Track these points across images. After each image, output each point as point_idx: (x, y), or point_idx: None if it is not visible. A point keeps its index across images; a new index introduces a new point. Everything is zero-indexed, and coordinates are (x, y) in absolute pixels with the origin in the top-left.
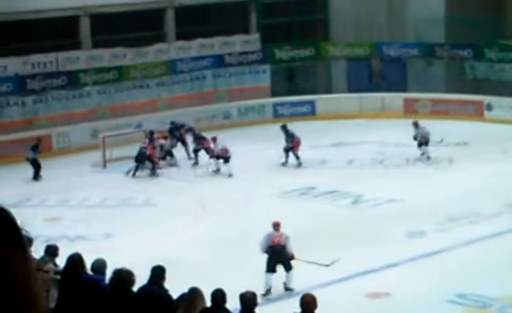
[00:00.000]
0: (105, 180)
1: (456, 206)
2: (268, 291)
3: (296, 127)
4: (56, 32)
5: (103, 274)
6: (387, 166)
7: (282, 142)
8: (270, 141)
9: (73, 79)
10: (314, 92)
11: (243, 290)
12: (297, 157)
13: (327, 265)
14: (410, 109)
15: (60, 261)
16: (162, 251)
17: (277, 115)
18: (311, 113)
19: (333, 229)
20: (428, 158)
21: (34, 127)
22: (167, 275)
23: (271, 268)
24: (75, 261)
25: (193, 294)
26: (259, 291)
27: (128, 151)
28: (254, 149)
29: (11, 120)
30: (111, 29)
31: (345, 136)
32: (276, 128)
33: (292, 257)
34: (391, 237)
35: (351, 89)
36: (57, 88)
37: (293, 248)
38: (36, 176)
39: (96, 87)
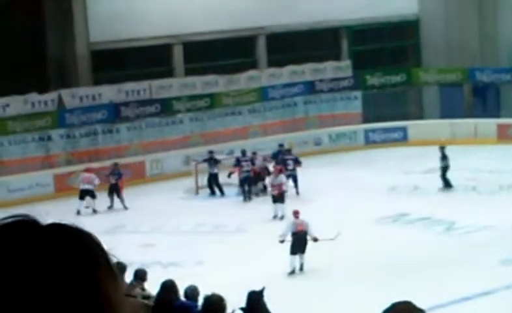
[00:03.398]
0: (198, 207)
1: None
2: (292, 271)
3: (387, 153)
4: (150, 60)
5: (196, 300)
6: (480, 193)
7: (375, 169)
8: (362, 168)
9: (166, 107)
10: (405, 118)
11: None
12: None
13: (331, 239)
14: (503, 135)
15: (149, 286)
16: (255, 277)
17: (368, 142)
18: (402, 139)
19: (427, 256)
20: None
21: (128, 154)
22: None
23: (294, 251)
24: (169, 287)
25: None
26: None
27: (220, 178)
28: (345, 175)
29: (105, 147)
30: (204, 56)
31: (437, 162)
32: (367, 154)
33: (316, 239)
34: (485, 264)
35: (443, 115)
36: (151, 115)
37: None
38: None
39: (188, 114)
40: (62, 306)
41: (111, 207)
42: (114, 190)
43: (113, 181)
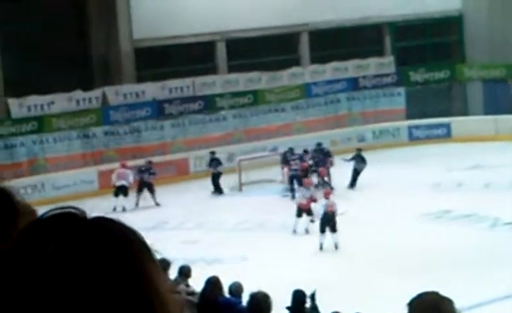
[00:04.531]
0: (241, 203)
1: None
2: (321, 246)
3: (431, 149)
4: (193, 57)
5: (240, 296)
6: None
7: (418, 165)
8: (405, 164)
9: (209, 104)
10: (449, 114)
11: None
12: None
13: (341, 214)
14: None
15: (194, 283)
16: (298, 274)
17: (412, 138)
18: (446, 135)
19: (470, 253)
20: None
21: (171, 151)
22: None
23: (323, 230)
24: (213, 283)
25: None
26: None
27: (263, 174)
28: (389, 172)
29: (149, 144)
30: (247, 53)
31: (481, 159)
32: (411, 150)
33: (342, 214)
34: None
35: (487, 111)
36: (194, 112)
37: None
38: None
39: (231, 111)
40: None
41: (137, 205)
42: (146, 188)
43: (147, 179)
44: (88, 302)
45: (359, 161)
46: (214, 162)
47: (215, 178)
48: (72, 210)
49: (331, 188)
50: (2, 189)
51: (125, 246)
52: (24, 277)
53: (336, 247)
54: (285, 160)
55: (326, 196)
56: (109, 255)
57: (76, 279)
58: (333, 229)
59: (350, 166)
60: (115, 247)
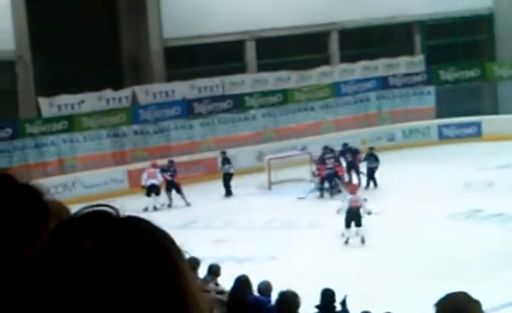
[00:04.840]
0: (271, 202)
1: None
2: (347, 241)
3: (461, 148)
4: (223, 56)
5: (269, 295)
6: None
7: (448, 165)
8: (435, 163)
9: (238, 103)
10: (479, 113)
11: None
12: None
13: (377, 213)
14: None
15: (223, 281)
16: (327, 273)
17: (442, 137)
18: (476, 134)
19: (501, 253)
20: None
21: (201, 150)
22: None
23: (348, 225)
24: (243, 282)
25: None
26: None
27: (293, 173)
28: (419, 171)
29: (178, 143)
30: (276, 52)
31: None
32: (441, 149)
33: (370, 213)
34: None
35: None
36: (223, 111)
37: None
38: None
39: (261, 110)
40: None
41: (170, 205)
42: (173, 187)
43: (169, 178)
44: (124, 299)
45: (372, 160)
46: (226, 162)
47: (227, 180)
48: (106, 209)
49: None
50: (31, 187)
51: (157, 244)
52: (61, 273)
53: (362, 241)
54: (322, 159)
55: (352, 191)
56: (143, 253)
57: (113, 275)
58: (358, 224)
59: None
60: (149, 245)
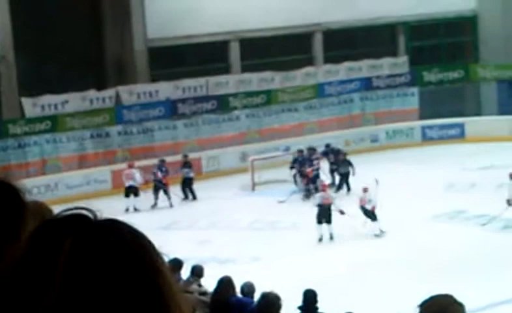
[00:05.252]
0: (254, 203)
1: None
2: (321, 238)
3: (444, 150)
4: (207, 56)
5: (252, 297)
6: None
7: (432, 166)
8: (419, 164)
9: (222, 103)
10: (463, 114)
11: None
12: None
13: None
14: None
15: (206, 282)
16: (310, 275)
17: (425, 138)
18: (460, 135)
19: (484, 254)
20: None
21: (185, 150)
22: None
23: (320, 221)
24: (226, 283)
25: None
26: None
27: (277, 174)
28: (402, 172)
29: (162, 143)
30: (260, 53)
31: (495, 159)
32: (424, 150)
33: (342, 212)
34: None
35: (501, 112)
36: (207, 112)
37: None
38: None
39: (245, 111)
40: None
41: (154, 205)
42: (161, 188)
43: (160, 176)
44: (103, 301)
45: (346, 165)
46: (186, 166)
47: (187, 184)
48: (84, 211)
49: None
50: (7, 184)
51: (136, 246)
52: (39, 276)
53: (331, 238)
54: (308, 160)
55: (323, 189)
56: (122, 255)
57: (91, 278)
58: (329, 221)
59: (360, 165)
60: (126, 248)
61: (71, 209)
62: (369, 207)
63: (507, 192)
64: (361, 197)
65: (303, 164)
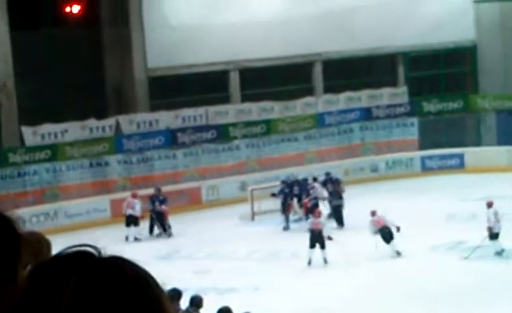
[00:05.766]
0: (254, 233)
1: None
2: (309, 262)
3: (444, 180)
4: (207, 86)
5: None
6: None
7: (431, 196)
8: (418, 195)
9: (222, 133)
10: (462, 145)
11: None
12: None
13: (329, 238)
14: None
15: None
16: (311, 304)
17: (425, 168)
18: (459, 166)
19: (484, 284)
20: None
21: (184, 180)
22: None
23: (313, 245)
24: None
25: None
26: None
27: (276, 204)
28: (402, 202)
29: (162, 172)
30: (260, 82)
31: (495, 190)
32: (424, 181)
33: (330, 238)
34: None
35: (501, 142)
36: (207, 141)
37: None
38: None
39: (244, 140)
40: None
41: (160, 234)
42: (158, 218)
43: (158, 208)
44: None
45: (337, 198)
46: (159, 199)
47: (160, 218)
48: (88, 249)
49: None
50: (2, 215)
51: (140, 285)
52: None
53: (325, 261)
54: (307, 191)
55: (315, 215)
56: (126, 294)
57: None
58: (322, 246)
59: (360, 195)
60: (131, 286)
61: (76, 246)
62: (388, 225)
63: (486, 221)
64: (374, 220)
65: (288, 195)
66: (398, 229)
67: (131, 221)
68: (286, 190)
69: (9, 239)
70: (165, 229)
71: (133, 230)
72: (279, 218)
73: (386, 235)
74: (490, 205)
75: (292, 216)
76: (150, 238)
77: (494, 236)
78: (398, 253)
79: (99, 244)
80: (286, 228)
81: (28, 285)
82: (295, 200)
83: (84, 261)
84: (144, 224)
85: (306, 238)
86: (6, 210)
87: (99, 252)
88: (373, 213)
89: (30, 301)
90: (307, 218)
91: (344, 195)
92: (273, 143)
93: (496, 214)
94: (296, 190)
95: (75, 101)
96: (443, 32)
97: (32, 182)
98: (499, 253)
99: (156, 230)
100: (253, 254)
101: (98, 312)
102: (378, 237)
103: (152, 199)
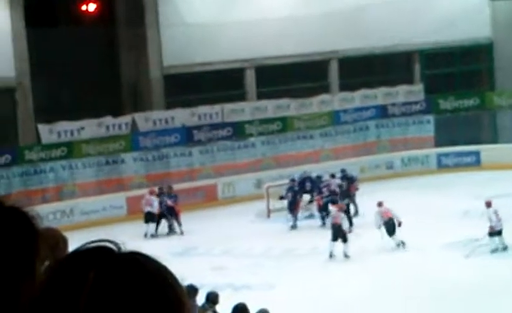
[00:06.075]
0: (269, 230)
1: None
2: (331, 255)
3: (460, 177)
4: (223, 83)
5: None
6: None
7: (447, 193)
8: (434, 192)
9: (238, 130)
10: (479, 142)
11: None
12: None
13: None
14: None
15: (221, 309)
16: (327, 302)
17: (441, 166)
18: (475, 163)
19: (498, 282)
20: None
21: (200, 177)
22: None
23: (335, 238)
24: (241, 310)
25: None
26: None
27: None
28: (417, 199)
29: (178, 170)
30: (276, 80)
31: (511, 187)
32: (440, 178)
33: (349, 231)
34: None
35: None
36: (223, 139)
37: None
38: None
39: (260, 138)
40: None
41: (170, 231)
42: (171, 214)
43: (170, 204)
44: None
45: (344, 197)
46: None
47: (171, 214)
48: (108, 244)
49: (357, 212)
50: (19, 210)
51: (159, 280)
52: (62, 309)
53: (345, 256)
54: (319, 189)
55: (337, 208)
56: (145, 289)
57: (114, 311)
58: (344, 240)
59: (376, 193)
60: (150, 281)
61: (95, 241)
62: (393, 218)
63: (488, 220)
64: (381, 211)
65: (297, 192)
66: (399, 223)
67: (150, 218)
68: (296, 188)
69: (27, 235)
70: (171, 228)
71: (152, 227)
72: (289, 216)
73: (390, 227)
74: (489, 204)
75: (300, 214)
76: (166, 235)
77: (495, 234)
78: (402, 244)
79: (117, 240)
80: (293, 227)
81: (47, 281)
82: (304, 197)
83: (103, 257)
84: (164, 222)
85: (321, 235)
86: (24, 207)
87: (119, 248)
88: (380, 204)
89: (49, 296)
90: (321, 215)
91: (360, 193)
92: (289, 141)
93: (496, 212)
94: (308, 186)
95: (91, 99)
96: (459, 30)
97: (48, 180)
98: (495, 250)
99: (176, 228)
100: (268, 251)
101: (117, 307)
102: (383, 230)
103: (161, 196)
